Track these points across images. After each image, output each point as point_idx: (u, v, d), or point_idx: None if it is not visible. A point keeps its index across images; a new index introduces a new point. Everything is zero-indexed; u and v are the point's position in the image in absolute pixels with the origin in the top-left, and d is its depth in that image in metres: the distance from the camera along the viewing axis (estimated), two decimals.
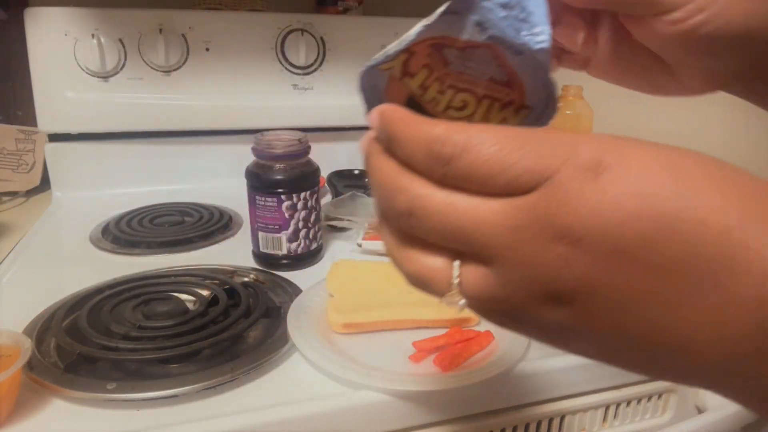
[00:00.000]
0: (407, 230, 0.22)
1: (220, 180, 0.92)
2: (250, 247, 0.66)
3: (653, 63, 0.32)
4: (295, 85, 0.93)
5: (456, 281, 0.21)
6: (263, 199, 0.61)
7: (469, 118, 0.24)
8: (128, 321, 0.50)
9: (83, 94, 0.84)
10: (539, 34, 0.21)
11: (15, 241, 0.73)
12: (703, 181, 0.18)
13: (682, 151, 0.19)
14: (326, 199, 0.90)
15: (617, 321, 0.19)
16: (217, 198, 0.87)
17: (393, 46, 0.23)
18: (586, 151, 0.19)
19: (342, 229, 0.74)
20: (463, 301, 0.22)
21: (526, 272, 0.19)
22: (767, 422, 0.53)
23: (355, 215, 0.75)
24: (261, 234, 0.63)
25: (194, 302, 0.54)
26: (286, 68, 0.92)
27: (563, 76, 0.98)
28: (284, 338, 0.48)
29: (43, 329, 0.49)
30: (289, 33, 0.91)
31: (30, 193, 0.93)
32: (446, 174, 0.20)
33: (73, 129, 0.86)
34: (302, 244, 0.63)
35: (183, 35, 0.86)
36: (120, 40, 0.83)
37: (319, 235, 0.66)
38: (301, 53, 0.91)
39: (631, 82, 0.34)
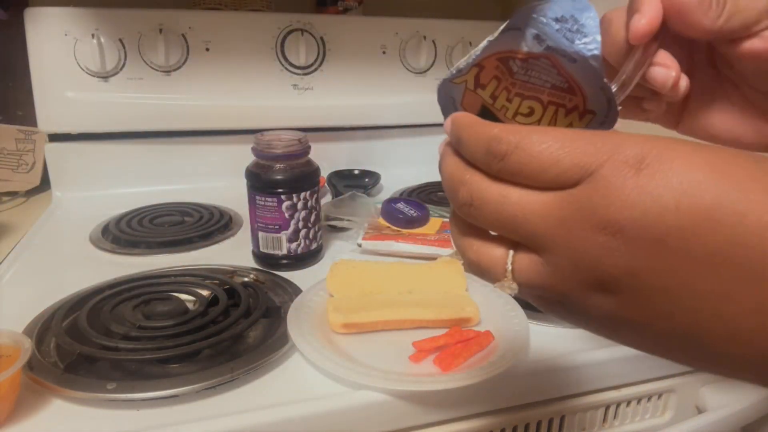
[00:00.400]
0: (468, 220, 0.24)
1: (220, 180, 0.92)
2: (250, 247, 0.66)
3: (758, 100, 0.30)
4: (295, 85, 0.93)
5: (510, 268, 0.23)
6: (263, 199, 0.61)
7: (537, 123, 0.26)
8: (128, 321, 0.50)
9: (83, 94, 0.84)
10: (590, 43, 0.23)
11: (15, 241, 0.73)
12: (744, 177, 0.19)
13: (725, 150, 0.20)
14: (326, 199, 0.90)
15: (663, 311, 0.20)
16: (217, 198, 0.87)
17: (463, 62, 0.26)
18: (629, 148, 0.20)
19: (342, 229, 0.74)
20: (515, 287, 0.23)
21: (572, 260, 0.21)
22: (767, 422, 0.53)
23: (355, 215, 0.75)
24: (261, 234, 0.63)
25: (194, 302, 0.54)
26: (286, 68, 0.92)
27: None
28: (284, 338, 0.48)
29: (43, 329, 0.49)
30: (289, 33, 0.91)
31: (30, 193, 0.93)
32: (501, 169, 0.22)
33: (73, 129, 0.86)
34: (302, 244, 0.63)
35: (183, 35, 0.86)
36: (120, 40, 0.83)
37: (319, 235, 0.66)
38: (301, 53, 0.91)
39: (738, 128, 0.31)
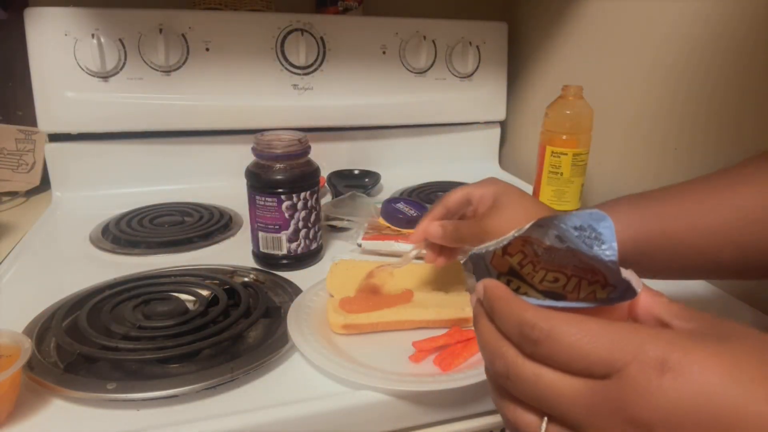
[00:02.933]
0: (506, 388, 0.27)
1: (220, 180, 0.92)
2: (250, 247, 0.66)
3: None
4: (295, 85, 0.93)
5: None
6: (263, 199, 0.61)
7: (563, 289, 0.29)
8: (128, 321, 0.50)
9: (83, 94, 0.84)
10: (607, 250, 0.26)
11: (15, 241, 0.73)
12: (759, 382, 0.21)
13: (748, 348, 0.22)
14: (326, 199, 0.90)
15: None
16: (217, 198, 0.87)
17: (492, 245, 0.29)
18: (653, 349, 0.22)
19: (342, 229, 0.74)
20: None
21: None
22: None
23: (355, 215, 0.75)
24: (261, 234, 0.63)
25: (194, 302, 0.54)
26: (286, 68, 0.92)
27: (564, 77, 0.98)
28: (284, 338, 0.48)
29: (43, 329, 0.49)
30: (289, 33, 0.91)
31: (30, 193, 0.93)
32: (534, 352, 0.25)
33: (73, 129, 0.86)
34: (302, 244, 0.63)
35: (183, 35, 0.86)
36: (120, 40, 0.83)
37: (319, 235, 0.66)
38: (301, 53, 0.91)
39: None
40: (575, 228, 0.26)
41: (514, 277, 0.30)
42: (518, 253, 0.30)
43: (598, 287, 0.28)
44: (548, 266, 0.29)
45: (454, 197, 0.53)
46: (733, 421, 0.20)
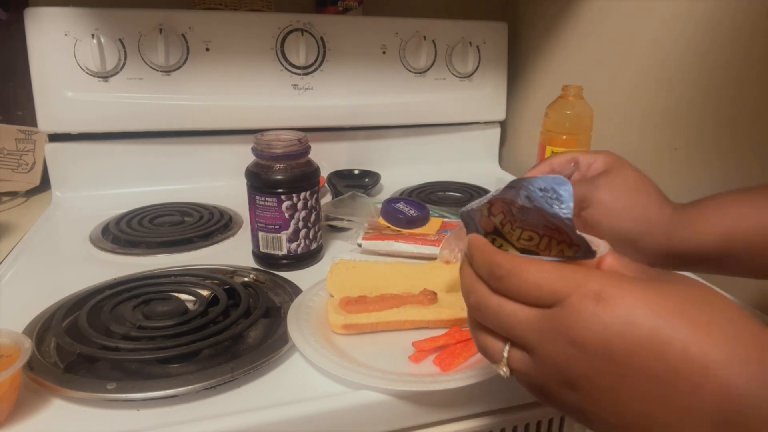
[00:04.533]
0: (476, 318, 0.33)
1: (220, 180, 0.92)
2: (250, 247, 0.66)
3: None
4: (295, 85, 0.93)
5: (505, 357, 0.31)
6: (263, 199, 0.61)
7: (537, 247, 0.33)
8: (128, 321, 0.50)
9: (83, 94, 0.84)
10: (565, 209, 0.30)
11: (15, 241, 0.73)
12: (675, 314, 0.25)
13: (666, 289, 0.26)
14: (326, 199, 0.90)
15: (613, 408, 0.27)
16: (217, 198, 0.87)
17: (475, 204, 0.35)
18: (592, 283, 0.27)
19: (342, 229, 0.74)
20: (509, 372, 0.31)
21: (548, 362, 0.29)
22: None
23: (355, 215, 0.75)
24: (261, 234, 0.63)
25: (194, 302, 0.54)
26: (286, 68, 0.92)
27: (564, 77, 0.98)
28: (284, 338, 0.48)
29: (43, 329, 0.49)
30: (289, 33, 0.91)
31: (30, 193, 0.93)
32: (498, 287, 0.30)
33: (73, 129, 0.86)
34: (302, 244, 0.63)
35: (183, 35, 0.86)
36: (120, 40, 0.83)
37: (319, 235, 0.66)
38: (301, 53, 0.91)
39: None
40: (540, 189, 0.31)
41: (497, 236, 0.35)
42: (500, 214, 0.34)
43: (565, 246, 0.32)
44: (523, 225, 0.34)
45: (560, 158, 0.51)
46: (651, 344, 0.25)
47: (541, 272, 0.29)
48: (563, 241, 0.32)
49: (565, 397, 0.29)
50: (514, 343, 0.30)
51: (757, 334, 0.25)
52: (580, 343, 0.26)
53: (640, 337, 0.25)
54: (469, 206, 0.36)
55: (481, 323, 0.32)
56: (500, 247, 0.35)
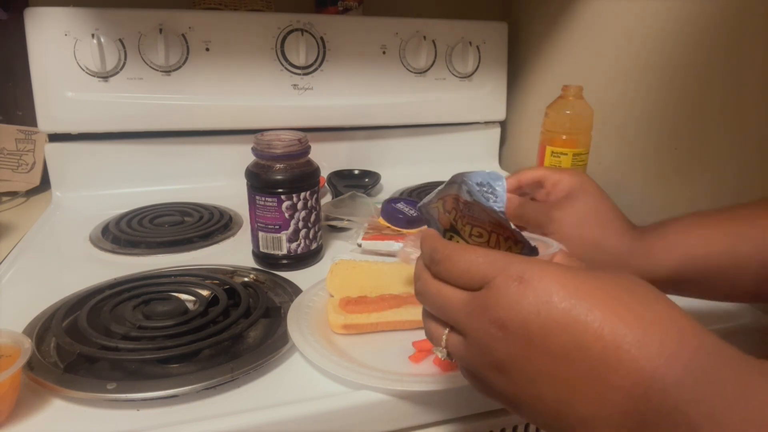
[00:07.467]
0: (421, 304, 0.34)
1: (220, 180, 0.92)
2: (250, 247, 0.66)
3: None
4: (295, 85, 0.93)
5: (444, 340, 0.32)
6: (263, 199, 0.61)
7: (486, 244, 0.34)
8: (128, 321, 0.50)
9: (83, 94, 0.84)
10: (498, 202, 0.32)
11: (15, 241, 0.73)
12: (593, 297, 0.26)
13: (584, 273, 0.27)
14: (326, 199, 0.90)
15: (535, 392, 0.27)
16: (217, 198, 0.87)
17: (428, 198, 0.36)
18: (516, 267, 0.28)
19: (342, 229, 0.74)
20: (447, 354, 0.32)
21: (476, 344, 0.29)
22: None
23: (355, 215, 0.75)
24: (261, 234, 0.63)
25: (194, 302, 0.54)
26: (286, 68, 0.92)
27: (564, 77, 0.98)
28: (284, 338, 0.48)
29: (43, 329, 0.49)
30: (289, 33, 0.91)
31: (30, 193, 0.93)
32: (436, 271, 0.32)
33: (73, 129, 0.86)
34: (302, 244, 0.63)
35: (183, 35, 0.86)
36: (120, 40, 0.83)
37: (319, 235, 0.66)
38: (301, 53, 0.91)
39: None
40: (478, 184, 0.32)
41: (455, 233, 0.36)
42: (453, 210, 0.35)
43: (512, 243, 0.33)
44: (472, 221, 0.35)
45: (529, 174, 0.52)
46: (565, 324, 0.25)
47: (472, 257, 0.30)
48: (509, 238, 0.33)
49: (494, 382, 0.29)
50: (453, 328, 0.31)
51: (676, 319, 0.25)
52: (500, 324, 0.27)
53: (555, 317, 0.26)
54: (422, 202, 0.37)
55: (426, 309, 0.34)
56: None
